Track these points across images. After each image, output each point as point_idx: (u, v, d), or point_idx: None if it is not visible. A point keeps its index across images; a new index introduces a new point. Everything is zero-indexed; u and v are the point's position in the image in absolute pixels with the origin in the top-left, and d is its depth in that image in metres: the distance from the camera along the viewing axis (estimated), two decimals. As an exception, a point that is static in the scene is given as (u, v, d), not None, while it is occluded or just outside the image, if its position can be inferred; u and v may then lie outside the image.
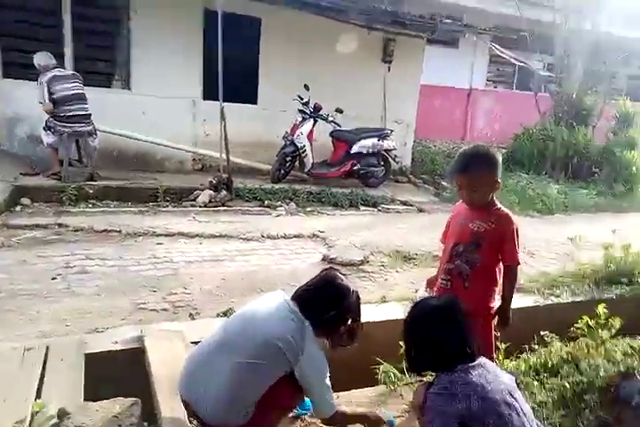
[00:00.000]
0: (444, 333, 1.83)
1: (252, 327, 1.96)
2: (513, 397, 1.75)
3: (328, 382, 1.99)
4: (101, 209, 5.57)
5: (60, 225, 4.80)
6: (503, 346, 2.71)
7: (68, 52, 6.79)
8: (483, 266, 2.29)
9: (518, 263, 2.31)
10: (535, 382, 2.52)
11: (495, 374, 1.79)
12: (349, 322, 2.05)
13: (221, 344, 1.97)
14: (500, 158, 2.29)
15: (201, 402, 1.90)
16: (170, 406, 2.17)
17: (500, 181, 2.28)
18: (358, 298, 2.09)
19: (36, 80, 5.90)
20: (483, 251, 2.28)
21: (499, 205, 2.33)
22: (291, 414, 2.17)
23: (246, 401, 1.88)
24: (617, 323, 2.83)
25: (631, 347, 2.68)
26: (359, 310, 2.10)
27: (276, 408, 1.96)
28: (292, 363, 1.90)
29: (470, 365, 1.77)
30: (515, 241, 2.27)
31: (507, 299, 2.32)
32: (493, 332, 2.40)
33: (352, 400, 2.54)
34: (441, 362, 1.80)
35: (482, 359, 1.83)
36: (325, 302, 2.00)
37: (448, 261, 2.40)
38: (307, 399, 2.18)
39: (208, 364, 1.94)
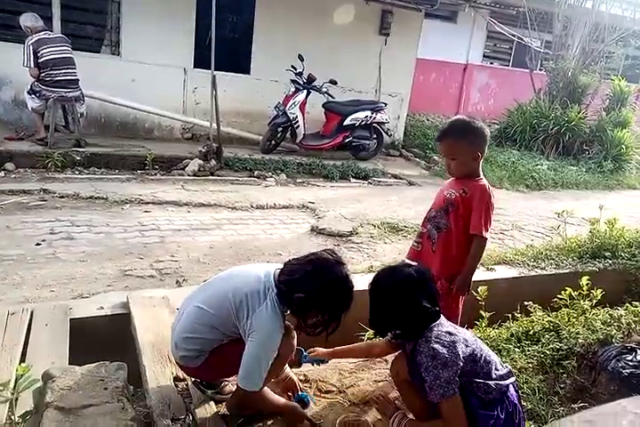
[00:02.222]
0: (414, 303, 1.86)
1: (223, 280, 1.99)
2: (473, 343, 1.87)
3: (267, 360, 1.81)
4: (88, 176, 5.50)
5: (44, 191, 4.73)
6: (487, 315, 2.75)
7: (56, 14, 6.57)
8: (449, 232, 2.34)
9: (484, 237, 2.29)
10: (516, 349, 2.58)
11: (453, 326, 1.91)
12: (321, 313, 1.85)
13: (198, 290, 2.04)
14: (483, 130, 2.28)
15: (172, 338, 1.98)
16: (155, 370, 2.18)
17: (479, 153, 2.27)
18: (344, 293, 1.85)
19: (23, 42, 5.71)
20: (450, 217, 2.33)
21: (480, 177, 2.34)
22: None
23: (193, 344, 1.89)
24: (598, 294, 2.87)
25: (610, 316, 2.73)
26: (339, 305, 1.85)
27: (230, 366, 1.89)
28: (237, 321, 1.83)
29: (435, 324, 1.85)
30: (483, 212, 2.27)
31: (466, 267, 2.32)
32: (461, 299, 2.42)
33: (337, 365, 2.56)
34: (416, 324, 1.86)
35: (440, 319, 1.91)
36: (298, 281, 1.82)
37: (422, 225, 2.49)
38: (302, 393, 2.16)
39: (183, 306, 2.02)
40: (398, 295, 1.88)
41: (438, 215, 2.37)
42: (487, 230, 2.30)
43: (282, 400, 2.02)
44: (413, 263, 2.13)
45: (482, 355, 1.81)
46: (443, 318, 1.92)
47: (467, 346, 1.80)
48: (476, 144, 2.27)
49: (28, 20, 5.73)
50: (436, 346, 1.76)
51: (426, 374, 1.74)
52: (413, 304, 1.85)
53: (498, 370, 1.83)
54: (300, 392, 2.18)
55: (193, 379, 2.10)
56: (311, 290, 1.80)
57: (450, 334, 1.81)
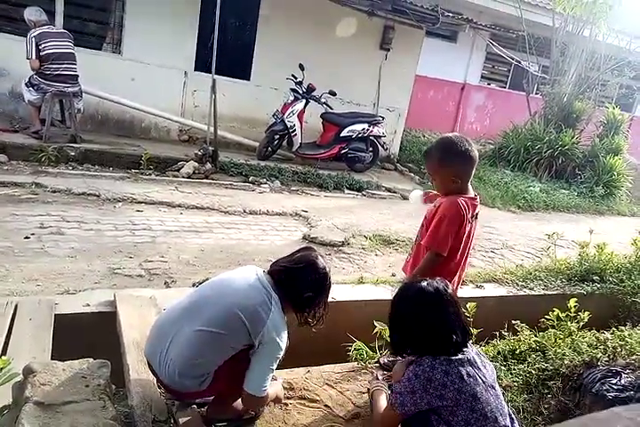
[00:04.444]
0: (434, 319, 1.80)
1: (218, 296, 1.93)
2: (490, 392, 1.73)
3: (274, 366, 1.91)
4: (81, 172, 5.44)
5: (37, 185, 4.68)
6: (475, 331, 2.74)
7: (60, 9, 6.56)
8: (419, 245, 2.44)
9: (435, 251, 2.23)
10: (502, 368, 2.57)
11: (478, 367, 1.76)
12: (319, 301, 2.03)
13: (186, 310, 1.94)
14: (464, 153, 2.21)
15: (161, 365, 1.89)
16: (138, 369, 2.16)
17: (456, 176, 2.22)
18: (331, 282, 2.07)
19: (24, 35, 5.69)
20: (424, 230, 2.40)
21: (464, 194, 2.29)
22: None
23: (202, 369, 1.86)
24: (585, 317, 2.88)
25: (597, 339, 2.74)
26: (329, 289, 2.07)
27: (236, 379, 1.91)
28: (253, 335, 1.86)
29: (458, 356, 1.75)
30: (437, 226, 2.23)
31: (410, 275, 2.42)
32: None
33: (323, 374, 2.54)
34: (427, 348, 1.78)
35: (469, 350, 1.80)
36: (305, 283, 1.96)
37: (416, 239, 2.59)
38: None
39: (171, 328, 1.91)
40: (403, 311, 1.88)
41: (419, 229, 2.50)
42: (438, 246, 2.21)
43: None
44: (433, 281, 1.94)
45: (464, 415, 1.67)
46: (472, 355, 1.79)
47: (455, 397, 1.67)
48: (454, 168, 2.23)
49: (32, 13, 5.71)
50: (419, 372, 1.72)
51: (401, 382, 1.78)
52: (417, 321, 1.81)
53: None
54: None
55: None
56: (317, 289, 2.00)
57: (447, 374, 1.69)
